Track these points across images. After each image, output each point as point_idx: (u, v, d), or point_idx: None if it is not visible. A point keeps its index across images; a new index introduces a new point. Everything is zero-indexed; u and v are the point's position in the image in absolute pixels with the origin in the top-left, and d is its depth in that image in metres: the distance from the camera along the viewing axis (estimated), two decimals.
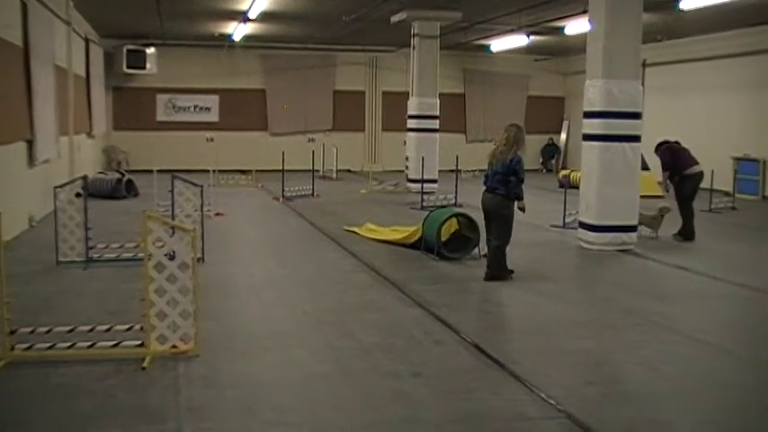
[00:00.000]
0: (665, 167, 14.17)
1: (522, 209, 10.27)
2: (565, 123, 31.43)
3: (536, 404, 5.86)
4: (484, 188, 10.33)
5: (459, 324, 7.97)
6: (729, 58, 22.32)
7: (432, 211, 12.70)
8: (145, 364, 6.47)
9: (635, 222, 12.85)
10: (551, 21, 19.78)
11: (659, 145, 14.55)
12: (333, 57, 29.49)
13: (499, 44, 26.08)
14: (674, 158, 14.13)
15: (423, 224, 12.10)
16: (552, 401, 5.84)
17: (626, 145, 12.60)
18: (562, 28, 21.19)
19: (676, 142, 14.56)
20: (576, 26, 19.83)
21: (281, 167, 19.66)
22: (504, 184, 10.03)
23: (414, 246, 12.26)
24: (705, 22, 20.30)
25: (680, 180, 14.05)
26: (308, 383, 6.28)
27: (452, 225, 11.89)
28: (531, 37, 23.06)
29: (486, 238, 10.58)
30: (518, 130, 10.27)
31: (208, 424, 5.38)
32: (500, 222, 10.21)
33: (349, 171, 28.11)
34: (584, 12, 14.11)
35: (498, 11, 19.13)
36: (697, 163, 14.19)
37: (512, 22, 20.61)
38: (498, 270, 10.27)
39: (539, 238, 12.52)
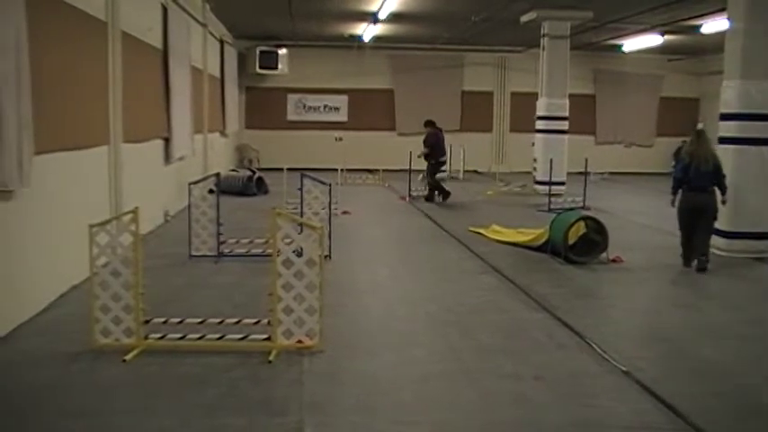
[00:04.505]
0: (426, 144, 19.22)
1: (725, 202, 11.13)
2: (699, 126, 30.38)
3: (661, 413, 5.69)
4: (682, 190, 11.01)
5: (583, 328, 7.82)
6: None
7: (559, 214, 12.52)
8: (271, 358, 6.61)
9: None
10: (687, 19, 19.19)
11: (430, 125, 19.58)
12: (461, 57, 29.43)
13: (632, 44, 25.50)
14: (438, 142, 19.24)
15: (550, 227, 11.94)
16: (679, 412, 5.65)
17: (764, 149, 12.08)
18: (698, 26, 20.54)
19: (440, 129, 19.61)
20: (714, 25, 19.19)
21: (407, 167, 19.76)
22: (714, 182, 10.93)
23: (540, 249, 12.10)
24: None
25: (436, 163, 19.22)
26: (427, 382, 6.29)
27: (580, 228, 11.64)
28: (666, 36, 22.42)
29: (688, 238, 11.05)
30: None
31: (328, 419, 5.46)
32: (711, 218, 11.06)
33: (476, 172, 28.01)
34: (723, 9, 13.63)
35: (631, 9, 18.68)
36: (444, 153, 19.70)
37: (645, 21, 20.11)
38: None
39: (668, 243, 12.16)
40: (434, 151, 19.25)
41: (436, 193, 19.30)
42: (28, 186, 7.36)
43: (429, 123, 19.80)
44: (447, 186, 19.67)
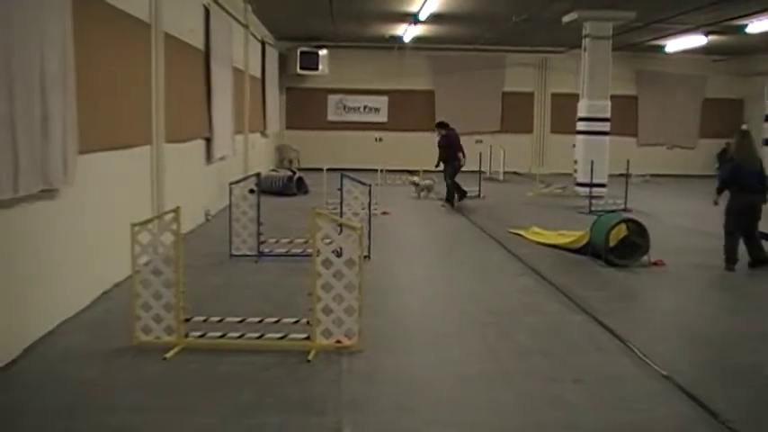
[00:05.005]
0: (451, 147, 18.52)
1: (766, 202, 11.11)
2: (743, 127, 29.92)
3: (701, 419, 5.61)
4: (733, 192, 10.99)
5: (623, 331, 7.75)
6: None
7: (600, 216, 12.43)
8: (310, 357, 6.64)
9: None
10: (732, 19, 18.94)
11: (444, 126, 18.97)
12: (502, 57, 29.35)
13: (675, 44, 25.23)
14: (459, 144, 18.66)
15: (591, 229, 11.85)
16: (721, 418, 5.58)
17: None
18: (743, 26, 20.26)
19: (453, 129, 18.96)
20: (759, 25, 18.93)
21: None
22: (763, 182, 10.96)
23: (580, 251, 12.02)
24: None
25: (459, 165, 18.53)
26: (465, 383, 6.29)
27: (621, 231, 11.54)
28: (710, 36, 22.16)
29: (737, 240, 11.04)
30: None
31: (367, 418, 5.48)
32: (759, 218, 11.10)
33: (515, 173, 27.89)
34: None
35: (674, 10, 18.48)
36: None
37: (689, 21, 19.89)
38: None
39: (711, 245, 12.01)
40: (455, 153, 18.67)
41: (455, 194, 18.83)
42: (72, 185, 7.47)
43: (443, 125, 19.25)
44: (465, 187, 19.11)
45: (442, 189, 19.22)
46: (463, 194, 18.84)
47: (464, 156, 18.74)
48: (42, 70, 6.71)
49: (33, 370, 6.33)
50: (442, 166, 18.98)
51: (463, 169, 19.07)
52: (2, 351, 6.37)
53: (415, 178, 20.58)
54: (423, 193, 20.17)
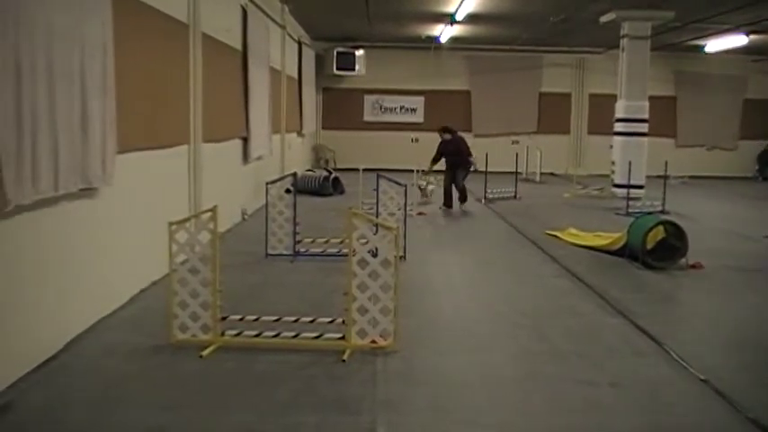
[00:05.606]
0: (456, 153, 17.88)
1: None
2: None
3: (740, 425, 5.55)
4: None
5: (660, 335, 7.68)
6: None
7: (638, 218, 12.33)
8: (345, 357, 6.65)
9: None
10: None
11: (450, 131, 18.28)
12: (539, 58, 29.19)
13: (714, 44, 24.93)
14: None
15: (628, 231, 11.75)
16: (760, 423, 5.51)
17: None
18: None
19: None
20: None
21: (483, 169, 19.64)
22: None
23: (617, 253, 11.92)
24: None
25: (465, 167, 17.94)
26: (500, 385, 6.27)
27: (659, 233, 11.44)
28: (750, 36, 21.87)
29: None
30: None
31: (401, 419, 5.48)
32: None
33: (552, 174, 27.74)
34: None
35: (714, 9, 18.26)
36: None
37: (729, 20, 19.63)
38: None
39: (750, 249, 11.88)
40: (466, 157, 18.06)
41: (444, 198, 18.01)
42: (111, 184, 7.55)
43: (448, 129, 18.42)
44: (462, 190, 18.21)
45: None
46: (448, 203, 17.91)
47: (468, 163, 17.97)
48: (83, 71, 6.79)
49: (73, 365, 6.42)
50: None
51: (498, 170, 18.88)
52: (44, 346, 6.47)
53: (422, 181, 19.70)
54: (425, 198, 19.15)
